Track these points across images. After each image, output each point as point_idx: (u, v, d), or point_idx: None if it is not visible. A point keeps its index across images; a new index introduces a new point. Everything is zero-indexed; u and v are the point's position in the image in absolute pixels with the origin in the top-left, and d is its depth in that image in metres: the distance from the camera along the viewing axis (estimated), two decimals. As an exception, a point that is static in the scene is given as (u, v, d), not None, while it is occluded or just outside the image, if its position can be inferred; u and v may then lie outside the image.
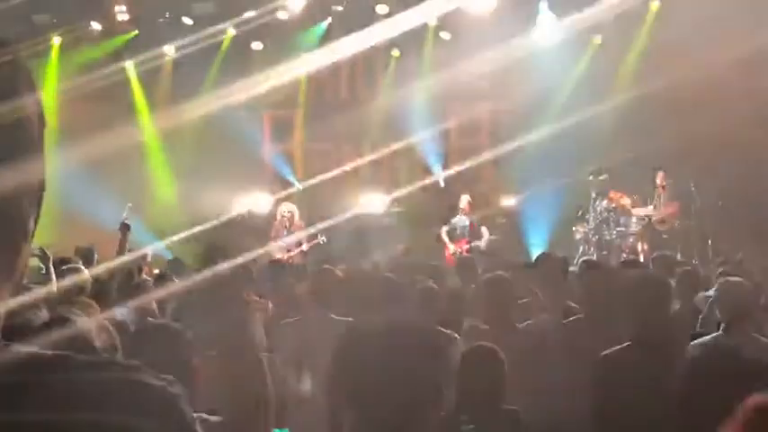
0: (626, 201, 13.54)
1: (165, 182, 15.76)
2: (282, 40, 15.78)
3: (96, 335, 2.49)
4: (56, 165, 12.87)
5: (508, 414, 4.13)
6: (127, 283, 6.77)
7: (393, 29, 15.29)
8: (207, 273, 5.28)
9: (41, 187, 1.14)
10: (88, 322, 2.38)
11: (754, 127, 12.35)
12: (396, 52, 16.19)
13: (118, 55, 15.53)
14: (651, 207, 13.44)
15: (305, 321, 5.58)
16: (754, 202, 12.75)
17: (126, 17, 15.26)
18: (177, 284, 7.27)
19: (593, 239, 13.61)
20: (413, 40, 15.80)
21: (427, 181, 15.94)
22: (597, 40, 15.22)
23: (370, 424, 4.31)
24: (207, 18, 15.36)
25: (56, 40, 15.24)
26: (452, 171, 15.99)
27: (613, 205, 13.56)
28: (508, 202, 14.12)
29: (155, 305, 6.69)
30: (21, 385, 1.01)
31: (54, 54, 15.37)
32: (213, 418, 2.86)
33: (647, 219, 13.39)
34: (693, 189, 12.95)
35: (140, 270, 8.48)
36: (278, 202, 14.93)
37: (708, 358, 4.23)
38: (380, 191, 16.16)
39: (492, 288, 5.56)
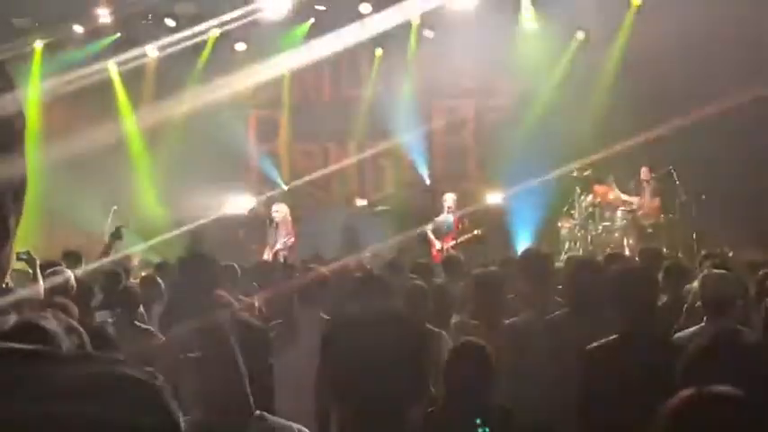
0: (611, 195, 13.59)
1: (149, 183, 15.71)
2: (266, 40, 15.74)
3: (64, 336, 2.49)
4: (40, 167, 12.86)
5: (497, 409, 4.14)
6: (113, 286, 6.75)
7: (376, 28, 15.31)
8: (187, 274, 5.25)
9: (23, 186, 1.14)
10: (56, 325, 2.38)
11: (740, 120, 12.42)
12: (379, 51, 16.18)
13: (101, 57, 15.45)
14: (636, 201, 13.48)
15: (294, 320, 5.59)
16: (740, 196, 12.81)
17: (108, 20, 15.19)
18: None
19: (579, 234, 13.66)
20: (396, 38, 15.81)
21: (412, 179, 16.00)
22: (580, 35, 15.25)
23: (355, 416, 4.33)
24: (189, 19, 15.32)
25: (38, 44, 15.17)
26: (437, 169, 16.06)
27: (598, 200, 13.61)
28: (493, 198, 14.11)
29: (142, 309, 6.69)
30: (2, 379, 1.01)
31: (37, 57, 15.30)
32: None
33: (632, 213, 13.44)
34: (678, 183, 13.01)
35: (128, 273, 8.45)
36: (265, 202, 14.91)
37: (691, 350, 4.25)
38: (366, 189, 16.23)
39: (482, 284, 5.58)
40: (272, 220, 13.57)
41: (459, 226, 13.43)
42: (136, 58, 15.49)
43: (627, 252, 12.44)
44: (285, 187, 16.22)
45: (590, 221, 13.65)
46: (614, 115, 13.58)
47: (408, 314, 5.06)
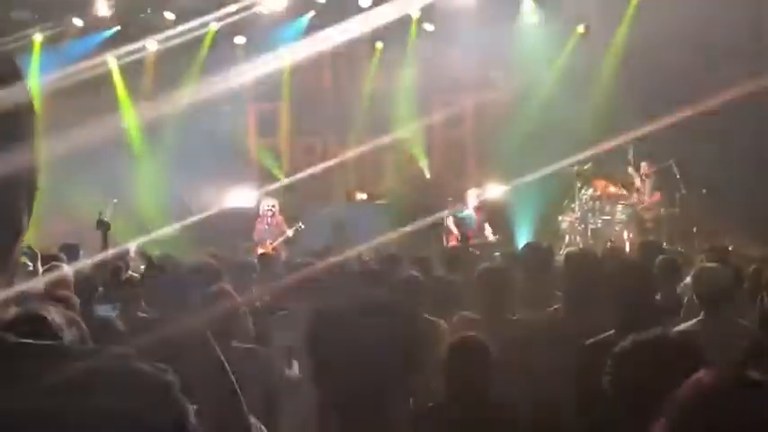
0: (611, 189, 13.59)
1: (149, 176, 15.69)
2: (266, 33, 15.73)
3: (66, 328, 2.49)
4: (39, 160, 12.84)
5: (497, 405, 4.13)
6: (114, 279, 6.75)
7: (376, 21, 15.29)
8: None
9: (36, 183, 1.14)
10: (58, 317, 2.37)
11: (741, 112, 12.40)
12: (379, 45, 16.16)
13: (100, 50, 15.43)
14: (636, 195, 13.49)
15: (292, 313, 5.59)
16: (741, 189, 12.80)
17: (107, 13, 15.17)
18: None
19: (579, 228, 13.65)
20: (396, 32, 15.79)
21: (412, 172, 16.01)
22: (581, 29, 15.23)
23: (340, 410, 4.32)
24: (189, 12, 15.30)
25: (37, 37, 15.14)
26: (437, 163, 16.06)
27: (598, 194, 13.61)
28: (493, 193, 14.10)
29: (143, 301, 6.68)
30: (13, 372, 1.02)
31: (36, 50, 15.28)
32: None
33: (632, 207, 13.44)
34: (678, 177, 13.01)
35: (127, 266, 8.44)
36: (263, 195, 14.91)
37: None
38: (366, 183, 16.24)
39: (486, 278, 5.56)
40: (266, 215, 13.60)
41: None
42: (135, 51, 15.47)
43: (627, 246, 12.44)
44: (285, 181, 16.22)
45: (590, 215, 13.64)
46: (615, 109, 13.56)
47: (399, 304, 5.03)
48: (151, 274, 7.26)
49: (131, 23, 15.65)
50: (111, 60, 15.70)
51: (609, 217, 13.60)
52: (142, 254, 12.82)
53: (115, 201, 13.44)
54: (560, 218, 14.01)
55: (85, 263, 8.15)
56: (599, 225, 13.58)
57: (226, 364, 3.22)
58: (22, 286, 5.59)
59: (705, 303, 4.58)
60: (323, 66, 16.81)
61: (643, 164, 13.41)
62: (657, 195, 13.33)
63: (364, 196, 16.16)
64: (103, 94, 15.56)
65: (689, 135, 12.47)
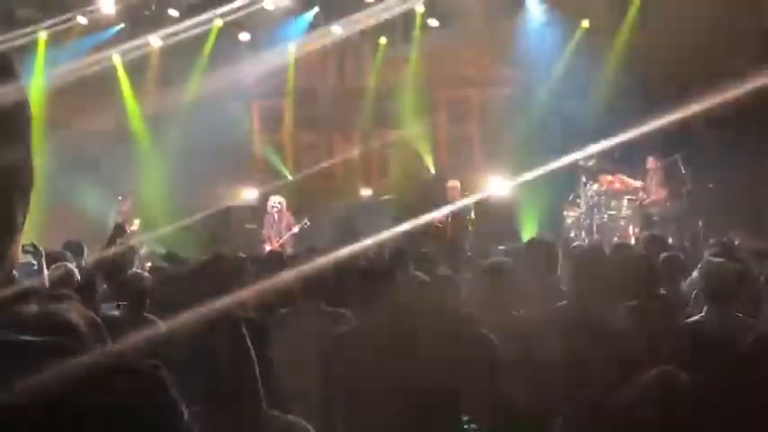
0: (616, 184, 13.58)
1: (153, 173, 15.71)
2: (270, 29, 15.74)
3: (86, 328, 2.49)
4: (43, 157, 12.88)
5: (503, 402, 4.13)
6: (118, 278, 6.73)
7: (381, 16, 15.30)
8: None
9: (30, 181, 1.14)
10: (77, 317, 2.37)
11: (748, 106, 12.36)
12: (384, 40, 16.15)
13: (104, 47, 15.45)
14: (642, 190, 13.47)
15: (296, 312, 5.58)
16: (747, 184, 12.77)
17: (112, 10, 15.17)
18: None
19: (585, 223, 13.65)
20: (401, 27, 15.79)
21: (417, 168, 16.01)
22: (585, 23, 15.21)
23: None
24: (193, 9, 15.31)
25: (42, 35, 15.16)
26: (442, 159, 16.06)
27: (604, 188, 13.60)
28: (499, 188, 14.11)
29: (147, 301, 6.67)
30: (12, 371, 1.02)
31: (41, 48, 15.30)
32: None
33: (638, 202, 13.42)
34: (684, 172, 12.99)
35: (132, 264, 8.45)
36: (267, 193, 14.94)
37: (691, 339, 4.26)
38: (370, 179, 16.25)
39: (491, 274, 5.56)
40: (273, 212, 13.64)
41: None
42: (139, 47, 15.49)
43: (633, 241, 12.43)
44: (289, 177, 16.25)
45: (596, 210, 13.63)
46: (620, 104, 13.53)
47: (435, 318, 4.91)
48: (157, 272, 7.27)
49: (135, 21, 15.65)
50: (116, 58, 15.71)
51: (614, 212, 13.59)
52: (148, 252, 12.90)
53: (120, 198, 13.49)
54: (565, 212, 14.01)
55: (88, 260, 8.17)
56: (605, 220, 13.57)
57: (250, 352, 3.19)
58: (27, 284, 5.61)
59: (711, 297, 4.57)
60: (327, 62, 16.81)
61: (649, 159, 13.39)
62: (664, 190, 13.31)
63: (369, 192, 16.17)
64: (108, 92, 15.57)
65: (695, 129, 12.44)
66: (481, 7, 15.09)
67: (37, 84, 14.80)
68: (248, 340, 3.14)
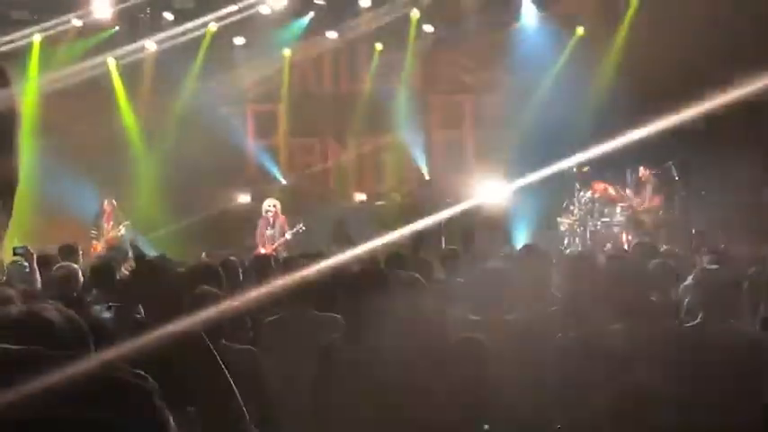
0: (610, 191, 13.58)
1: (147, 177, 15.67)
2: (265, 34, 15.73)
3: (67, 329, 2.46)
4: (38, 161, 12.86)
5: (493, 405, 4.12)
6: (108, 280, 6.70)
7: (376, 22, 15.31)
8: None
9: (13, 186, 1.13)
10: (58, 316, 2.35)
11: (734, 117, 12.38)
12: (379, 45, 16.15)
13: (99, 51, 15.41)
14: (635, 197, 13.48)
15: (286, 317, 5.55)
16: (740, 191, 12.80)
17: (106, 13, 15.14)
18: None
19: (578, 230, 13.65)
20: (396, 33, 15.79)
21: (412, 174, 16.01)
22: (580, 31, 15.24)
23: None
24: (188, 13, 15.30)
25: (36, 37, 15.11)
26: (436, 164, 16.07)
27: (597, 195, 13.60)
28: (493, 194, 14.11)
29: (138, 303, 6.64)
30: None
31: (35, 51, 15.25)
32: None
33: (631, 209, 13.43)
34: (677, 179, 13.01)
35: (120, 266, 8.42)
36: (262, 196, 14.92)
37: (684, 347, 4.27)
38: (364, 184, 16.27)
39: (485, 279, 5.55)
40: (268, 215, 13.62)
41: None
42: (134, 51, 15.46)
43: (626, 248, 12.43)
44: (283, 182, 16.23)
45: (589, 217, 13.63)
46: (614, 111, 13.53)
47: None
48: (145, 275, 7.22)
49: (130, 24, 15.62)
50: (110, 61, 15.68)
51: (608, 219, 13.59)
52: (138, 255, 12.86)
53: (127, 223, 13.48)
54: (559, 219, 14.01)
55: (82, 264, 8.14)
56: (598, 227, 13.57)
57: (222, 365, 3.20)
58: (19, 286, 5.58)
59: (705, 305, 4.57)
60: (322, 67, 16.81)
61: (643, 165, 13.41)
62: (657, 197, 13.33)
63: (363, 197, 16.17)
64: (102, 96, 15.53)
65: (689, 137, 12.45)
66: (476, 14, 15.11)
67: (31, 87, 14.77)
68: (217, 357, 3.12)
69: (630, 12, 14.75)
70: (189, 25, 15.13)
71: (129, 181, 15.33)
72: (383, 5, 15.15)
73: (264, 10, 15.24)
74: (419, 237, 13.04)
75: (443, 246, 12.70)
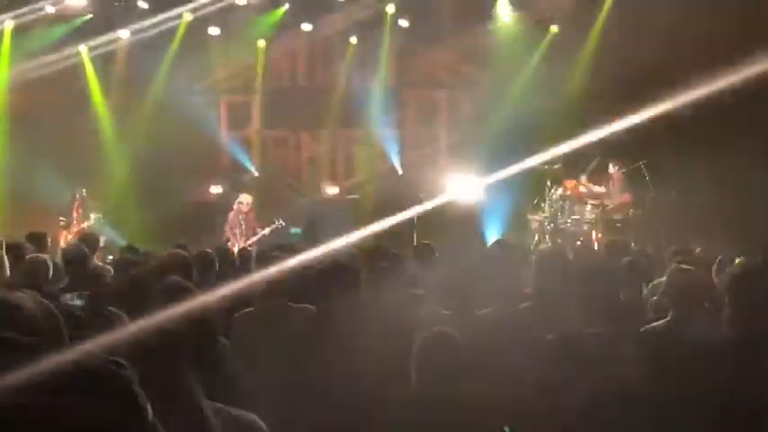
0: (581, 189, 13.66)
1: (120, 168, 15.56)
2: (240, 25, 15.67)
3: (41, 317, 2.45)
4: (7, 150, 12.74)
5: (467, 398, 4.14)
6: (80, 269, 6.67)
7: (351, 16, 15.29)
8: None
9: None
10: (33, 305, 2.33)
11: (710, 117, 12.49)
12: (354, 39, 16.13)
13: (72, 40, 15.26)
14: (605, 195, 13.57)
15: (260, 310, 5.54)
16: (710, 192, 12.91)
17: (80, 1, 15.00)
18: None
19: (549, 227, 13.72)
20: (371, 27, 15.77)
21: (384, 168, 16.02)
22: (554, 28, 15.31)
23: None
24: (163, 2, 15.19)
25: (8, 24, 14.93)
26: (409, 158, 16.08)
27: (568, 193, 13.68)
28: (465, 189, 14.14)
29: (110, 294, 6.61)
30: None
31: (6, 39, 15.07)
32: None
33: (601, 207, 13.52)
34: (647, 178, 13.11)
35: (94, 255, 8.36)
36: (233, 188, 14.88)
37: (654, 345, 4.32)
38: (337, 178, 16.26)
39: (460, 273, 5.58)
40: (240, 209, 13.59)
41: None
42: (108, 41, 15.32)
43: (596, 246, 12.53)
44: (256, 174, 16.19)
45: (559, 215, 13.71)
46: (586, 109, 13.61)
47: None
48: (117, 266, 7.19)
49: (104, 13, 15.48)
50: (83, 49, 15.52)
51: (578, 217, 13.67)
52: (109, 245, 12.78)
53: (98, 216, 13.39)
54: (529, 216, 14.08)
55: (52, 252, 8.08)
56: (568, 224, 13.65)
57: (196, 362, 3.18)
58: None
59: (677, 304, 4.62)
60: (297, 59, 16.77)
61: (611, 164, 13.51)
62: (627, 196, 13.43)
63: (336, 191, 16.15)
64: (74, 84, 15.39)
65: (659, 137, 12.55)
66: (451, 9, 15.14)
67: (2, 75, 14.61)
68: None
69: (604, 11, 14.83)
70: (164, 15, 15.02)
71: (101, 170, 15.21)
72: (359, -1, 15.16)
73: (240, 0, 15.18)
74: (391, 231, 13.10)
75: (415, 240, 12.78)
